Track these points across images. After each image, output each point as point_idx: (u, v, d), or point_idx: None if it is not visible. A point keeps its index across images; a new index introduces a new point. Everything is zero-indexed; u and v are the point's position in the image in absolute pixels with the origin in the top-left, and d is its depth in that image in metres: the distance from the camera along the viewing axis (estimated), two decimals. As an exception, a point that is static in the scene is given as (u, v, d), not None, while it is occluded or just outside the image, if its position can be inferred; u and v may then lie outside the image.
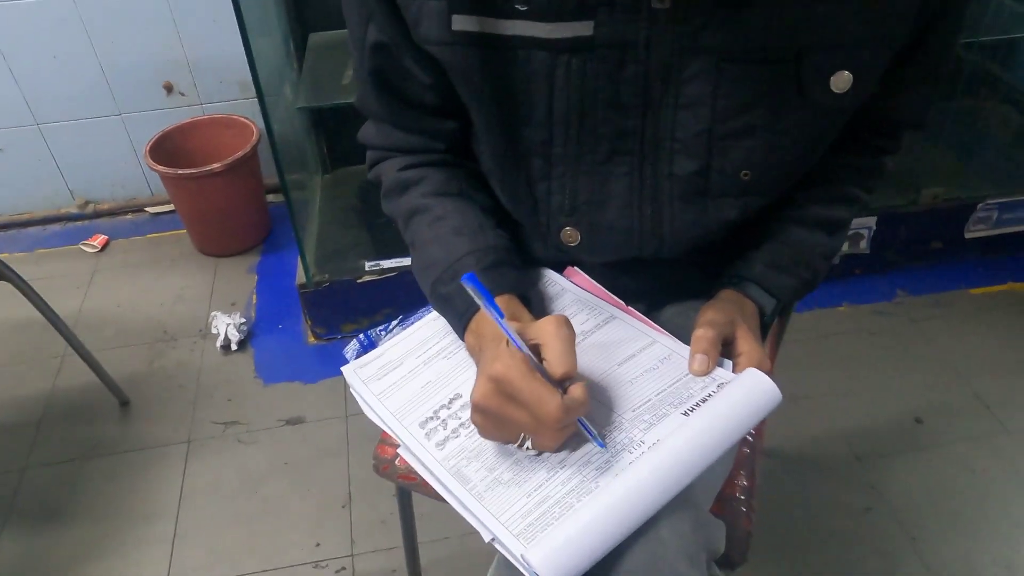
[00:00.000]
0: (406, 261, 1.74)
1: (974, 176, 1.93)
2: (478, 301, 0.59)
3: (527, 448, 0.62)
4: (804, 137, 0.67)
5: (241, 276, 2.03)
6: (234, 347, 1.81)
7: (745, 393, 0.62)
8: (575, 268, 0.81)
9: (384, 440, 0.94)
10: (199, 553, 1.40)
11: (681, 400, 0.64)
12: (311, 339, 1.83)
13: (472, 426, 0.65)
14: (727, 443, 0.60)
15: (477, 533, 0.60)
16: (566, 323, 0.61)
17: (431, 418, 0.69)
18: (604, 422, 0.63)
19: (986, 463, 1.46)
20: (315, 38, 1.86)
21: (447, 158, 0.79)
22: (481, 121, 0.70)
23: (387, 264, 1.74)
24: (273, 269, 2.05)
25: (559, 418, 0.57)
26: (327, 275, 1.74)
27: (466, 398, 0.70)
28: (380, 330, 0.79)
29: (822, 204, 0.78)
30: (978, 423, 1.54)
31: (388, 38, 0.69)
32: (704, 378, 0.66)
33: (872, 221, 1.82)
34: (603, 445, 0.61)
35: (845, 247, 1.85)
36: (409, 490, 0.97)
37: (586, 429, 0.61)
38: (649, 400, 0.65)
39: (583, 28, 0.61)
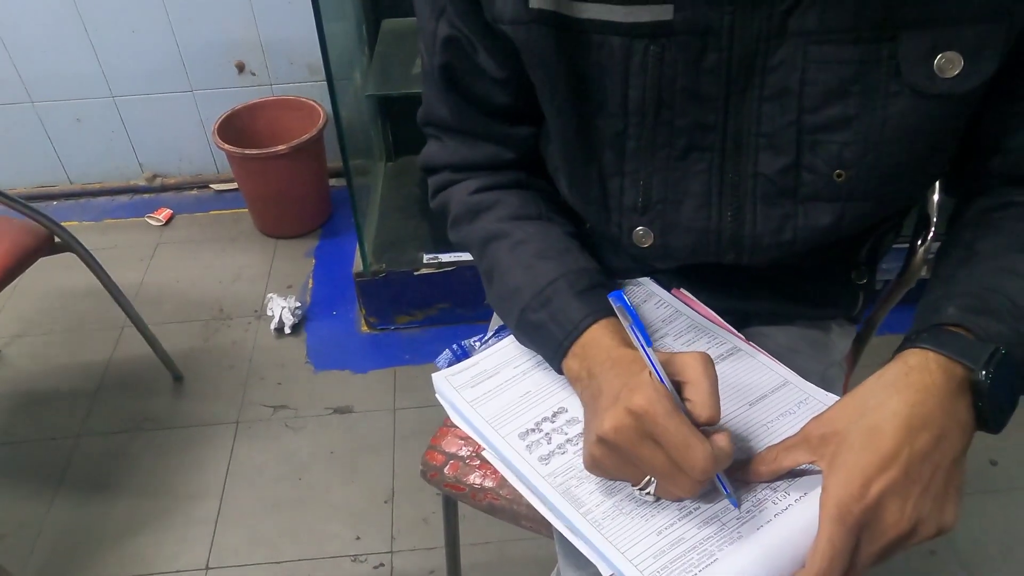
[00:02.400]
0: (465, 256, 1.71)
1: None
2: (624, 323, 0.54)
3: (647, 493, 0.56)
4: (908, 133, 0.59)
5: (299, 259, 2.03)
6: (287, 330, 1.81)
7: None
8: (682, 290, 0.76)
9: (434, 447, 0.91)
10: (240, 536, 1.40)
11: None
12: (364, 328, 1.82)
13: (581, 444, 0.61)
14: None
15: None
16: (712, 363, 0.55)
17: (533, 430, 0.64)
18: (742, 467, 0.58)
19: (1065, 513, 1.37)
20: (388, 25, 1.85)
21: (521, 178, 0.75)
22: (553, 110, 0.65)
23: (445, 258, 1.72)
24: (331, 254, 2.04)
25: (706, 469, 0.51)
26: (384, 264, 1.72)
27: (572, 413, 0.65)
28: (475, 340, 0.75)
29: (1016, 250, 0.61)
30: (1057, 469, 1.45)
31: (460, 32, 0.66)
32: None
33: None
34: (737, 505, 0.55)
35: (924, 272, 1.75)
36: (456, 500, 0.94)
37: (721, 484, 0.55)
38: None
39: (662, 12, 0.57)
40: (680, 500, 0.56)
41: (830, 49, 0.56)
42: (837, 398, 0.63)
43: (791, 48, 0.57)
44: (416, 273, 1.72)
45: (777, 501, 0.56)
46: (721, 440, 0.52)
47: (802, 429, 0.55)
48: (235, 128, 2.00)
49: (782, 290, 0.77)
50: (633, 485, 0.56)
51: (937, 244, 0.72)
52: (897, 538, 0.49)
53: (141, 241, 2.11)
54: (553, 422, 0.65)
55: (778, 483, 0.57)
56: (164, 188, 2.27)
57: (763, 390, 0.65)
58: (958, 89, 0.56)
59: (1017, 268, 0.58)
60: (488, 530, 1.34)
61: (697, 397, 0.53)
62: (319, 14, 1.34)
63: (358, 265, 1.72)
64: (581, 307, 0.63)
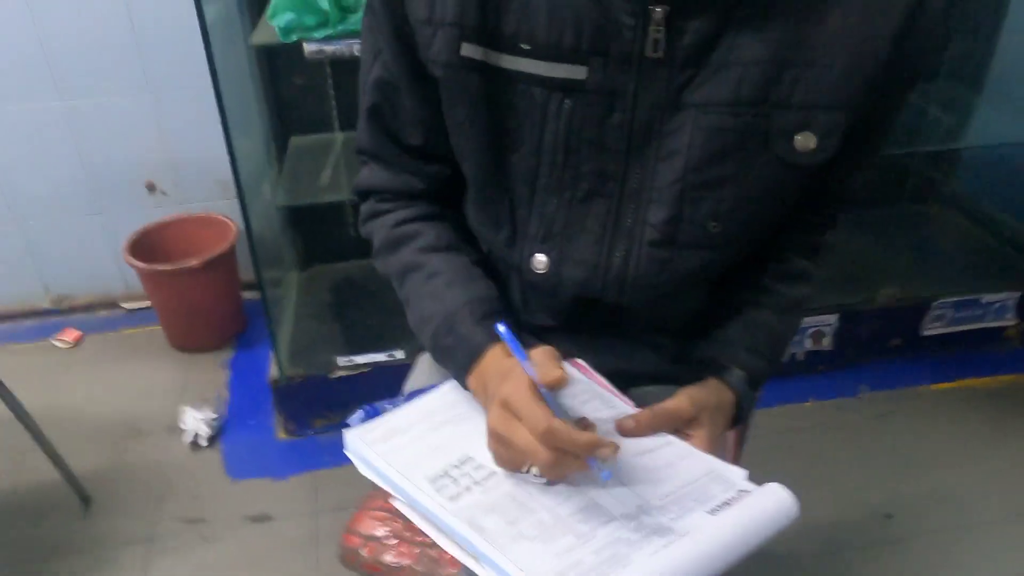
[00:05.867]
0: (379, 357, 1.76)
1: (926, 276, 2.02)
2: (510, 346, 0.67)
3: (535, 474, 0.65)
4: (769, 192, 0.71)
5: (213, 371, 2.03)
6: (203, 443, 1.79)
7: (768, 504, 0.65)
8: (579, 360, 0.83)
9: (351, 530, 0.94)
10: (156, 659, 1.35)
11: (704, 499, 0.66)
12: (282, 434, 1.82)
13: (486, 484, 0.67)
14: (748, 548, 0.63)
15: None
16: (551, 352, 0.68)
17: (441, 476, 0.69)
18: (631, 504, 0.65)
19: (952, 556, 1.47)
20: (296, 140, 1.95)
21: (435, 211, 0.84)
22: (474, 144, 0.74)
23: (360, 360, 1.76)
24: (246, 365, 2.05)
25: (544, 429, 0.60)
26: (300, 370, 1.75)
27: (478, 460, 0.70)
28: (386, 403, 0.80)
29: (786, 284, 0.83)
30: (946, 517, 1.55)
31: (390, 74, 0.75)
32: (724, 482, 0.69)
33: (834, 318, 1.88)
34: (608, 476, 0.63)
35: (809, 343, 1.90)
36: (375, 582, 0.96)
37: (592, 464, 0.63)
38: (673, 492, 0.67)
39: (577, 72, 0.67)
40: (560, 478, 0.65)
41: (715, 119, 0.67)
42: (714, 458, 0.72)
43: (684, 116, 0.68)
44: (332, 377, 1.75)
45: (663, 535, 0.62)
46: (589, 432, 0.63)
47: (671, 408, 0.73)
48: (146, 246, 2.03)
49: (661, 351, 0.87)
50: (524, 471, 0.65)
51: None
52: None
53: (48, 364, 2.07)
54: (460, 468, 0.70)
55: (665, 518, 0.64)
56: (72, 309, 2.25)
57: (650, 446, 0.72)
58: (812, 161, 0.69)
59: (770, 324, 0.82)
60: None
61: (541, 371, 0.65)
62: (228, 133, 1.42)
63: (274, 372, 1.74)
64: (480, 333, 0.73)
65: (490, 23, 0.67)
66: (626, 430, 0.71)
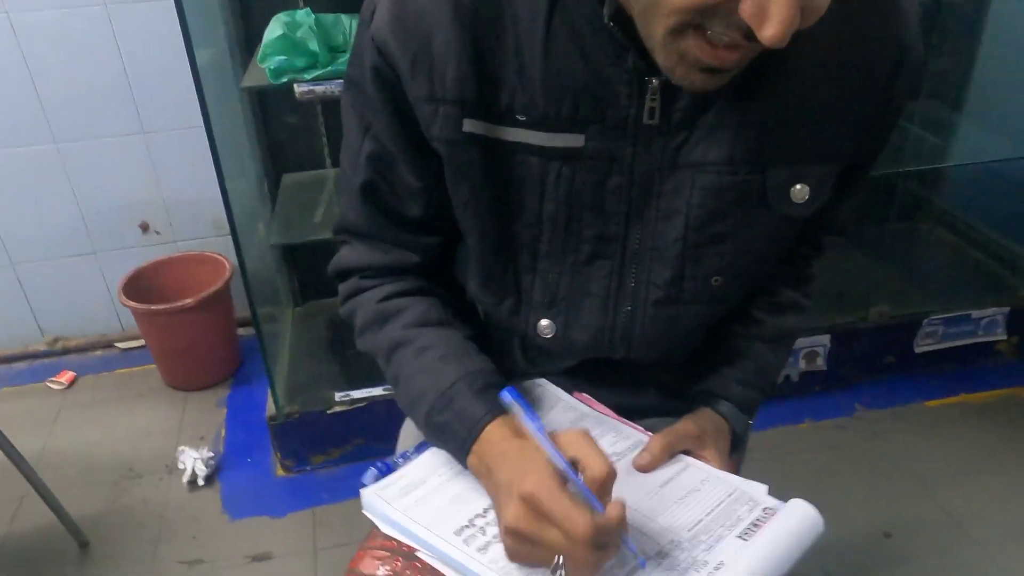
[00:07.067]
0: (376, 391, 1.76)
1: (917, 294, 2.03)
2: (519, 415, 0.64)
3: (561, 574, 0.60)
4: (767, 243, 0.74)
5: (210, 409, 2.03)
6: (201, 482, 1.78)
7: (796, 522, 0.66)
8: (584, 394, 0.84)
9: (352, 570, 0.94)
10: None
11: (732, 522, 0.67)
12: (280, 472, 1.81)
13: None
14: (783, 569, 0.64)
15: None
16: (587, 433, 0.64)
17: (467, 526, 0.68)
18: (663, 540, 0.65)
19: (952, 575, 1.47)
20: (288, 178, 1.96)
21: (424, 286, 0.81)
22: (475, 217, 0.73)
23: (357, 394, 1.76)
24: (243, 402, 2.05)
25: (588, 535, 0.57)
26: (297, 406, 1.75)
27: None
28: (398, 457, 0.78)
29: (775, 316, 0.85)
30: (946, 535, 1.55)
31: (383, 148, 0.72)
32: (748, 501, 0.70)
33: (826, 339, 1.89)
34: (644, 564, 0.62)
35: (803, 364, 1.91)
36: (377, 622, 0.95)
37: (628, 545, 0.61)
38: (701, 520, 0.68)
39: (574, 140, 0.67)
40: (599, 572, 0.62)
41: (713, 178, 0.68)
42: (734, 476, 0.74)
43: (681, 176, 0.69)
44: (329, 412, 1.75)
45: (699, 569, 0.63)
46: (613, 509, 0.59)
47: (680, 429, 0.77)
48: (141, 286, 2.03)
49: (664, 387, 0.88)
50: (549, 568, 0.61)
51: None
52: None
53: (42, 407, 2.06)
54: (485, 517, 0.69)
55: (698, 551, 0.65)
56: (66, 351, 2.24)
57: (669, 474, 0.73)
58: (805, 212, 0.71)
59: (759, 355, 0.85)
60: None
61: (588, 463, 0.61)
62: (221, 172, 1.44)
63: (270, 409, 1.74)
64: (480, 406, 0.70)
65: (488, 97, 0.67)
66: (644, 466, 0.72)
